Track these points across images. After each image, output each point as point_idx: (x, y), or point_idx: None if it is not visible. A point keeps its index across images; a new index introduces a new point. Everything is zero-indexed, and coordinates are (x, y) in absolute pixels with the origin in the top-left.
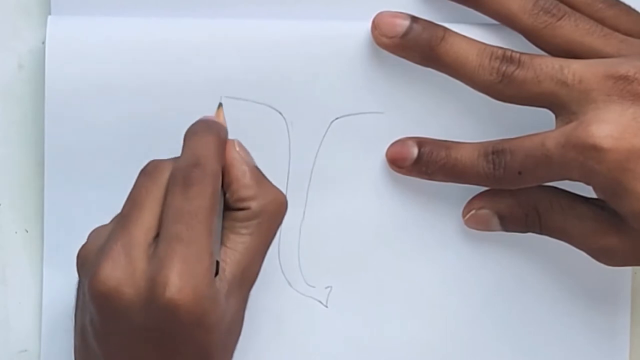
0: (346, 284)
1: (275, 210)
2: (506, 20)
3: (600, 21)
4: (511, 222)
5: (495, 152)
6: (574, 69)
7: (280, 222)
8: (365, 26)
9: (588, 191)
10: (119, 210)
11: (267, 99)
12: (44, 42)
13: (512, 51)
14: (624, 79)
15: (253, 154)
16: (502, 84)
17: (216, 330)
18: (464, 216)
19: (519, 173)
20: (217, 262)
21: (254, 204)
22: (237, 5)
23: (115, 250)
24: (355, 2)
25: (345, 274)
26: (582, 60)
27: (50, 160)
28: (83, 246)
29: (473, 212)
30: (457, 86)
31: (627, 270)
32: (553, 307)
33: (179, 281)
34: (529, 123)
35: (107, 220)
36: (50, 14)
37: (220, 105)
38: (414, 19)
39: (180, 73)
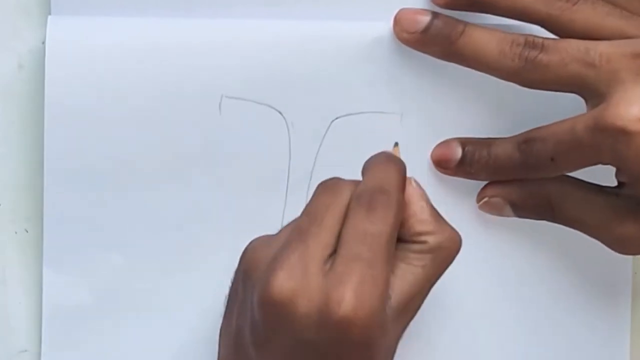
0: None
1: (450, 248)
2: (521, 15)
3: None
4: (524, 211)
5: (525, 141)
6: (600, 49)
7: (452, 261)
8: (365, 26)
9: (601, 179)
10: (118, 210)
11: (267, 99)
12: (44, 42)
13: (535, 36)
14: None
15: (253, 154)
16: (526, 70)
17: (380, 356)
18: (477, 202)
19: (552, 159)
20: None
21: (431, 239)
22: (237, 5)
23: (292, 261)
24: (355, 2)
25: None
26: (607, 41)
27: (50, 160)
28: (248, 251)
29: (486, 199)
30: (459, 85)
31: (628, 269)
32: (554, 305)
33: (355, 300)
34: (530, 118)
35: (106, 220)
36: (50, 14)
37: (396, 144)
38: (435, 14)
39: (181, 73)
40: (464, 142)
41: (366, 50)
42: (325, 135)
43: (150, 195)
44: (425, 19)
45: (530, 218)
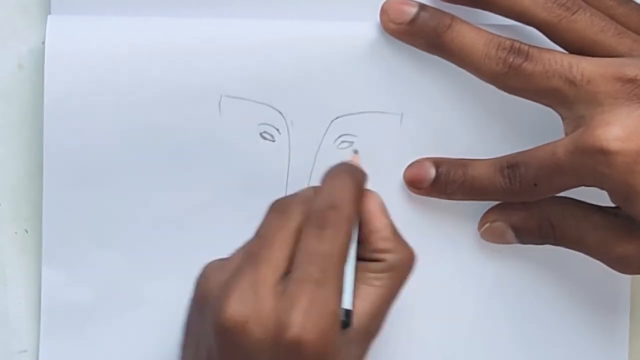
0: None
1: (407, 266)
2: (520, 16)
3: (611, 18)
4: (525, 234)
5: (509, 166)
6: (582, 68)
7: (408, 278)
8: (365, 26)
9: (601, 200)
10: (118, 210)
11: (266, 98)
12: (43, 42)
13: (521, 43)
14: (632, 81)
15: (252, 154)
16: (508, 76)
17: None
18: (479, 229)
19: (535, 185)
20: (351, 311)
21: (390, 257)
22: (237, 5)
23: (243, 287)
24: (355, 2)
25: None
26: (591, 58)
27: (49, 160)
28: (202, 278)
29: (488, 225)
30: (459, 85)
31: (627, 285)
32: (553, 308)
33: (306, 321)
34: (530, 118)
35: (105, 220)
36: (50, 13)
37: (355, 152)
38: (422, 6)
39: (180, 73)
40: (438, 162)
41: (366, 50)
42: (325, 135)
43: (149, 195)
44: (413, 10)
45: (533, 242)
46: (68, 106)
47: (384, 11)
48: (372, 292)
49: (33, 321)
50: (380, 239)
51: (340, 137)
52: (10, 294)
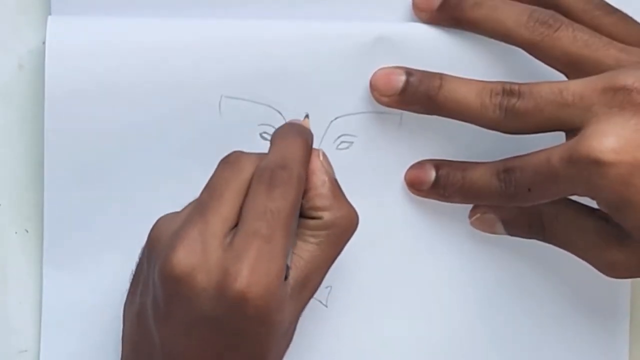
0: (346, 283)
1: (345, 226)
2: (504, 37)
3: (598, 29)
4: (515, 229)
5: (505, 170)
6: (572, 90)
7: (349, 239)
8: (365, 26)
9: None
10: (119, 210)
11: (266, 99)
12: (44, 42)
13: (511, 83)
14: (623, 89)
15: None
16: (506, 119)
17: (277, 330)
18: (469, 217)
19: (529, 190)
20: (287, 266)
21: (326, 215)
22: (237, 5)
23: (192, 236)
24: (355, 2)
25: (345, 274)
26: (580, 79)
27: (50, 160)
28: (154, 229)
29: (478, 215)
30: None
31: (627, 287)
32: (552, 311)
33: (251, 275)
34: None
35: (106, 220)
36: (50, 14)
37: (307, 116)
38: (409, 72)
39: (180, 73)
40: (438, 164)
41: (366, 50)
42: (324, 135)
43: (150, 195)
44: (401, 79)
45: (521, 236)
46: (68, 106)
47: (373, 86)
48: (308, 248)
49: (33, 321)
50: (317, 196)
51: (339, 137)
52: (10, 293)
